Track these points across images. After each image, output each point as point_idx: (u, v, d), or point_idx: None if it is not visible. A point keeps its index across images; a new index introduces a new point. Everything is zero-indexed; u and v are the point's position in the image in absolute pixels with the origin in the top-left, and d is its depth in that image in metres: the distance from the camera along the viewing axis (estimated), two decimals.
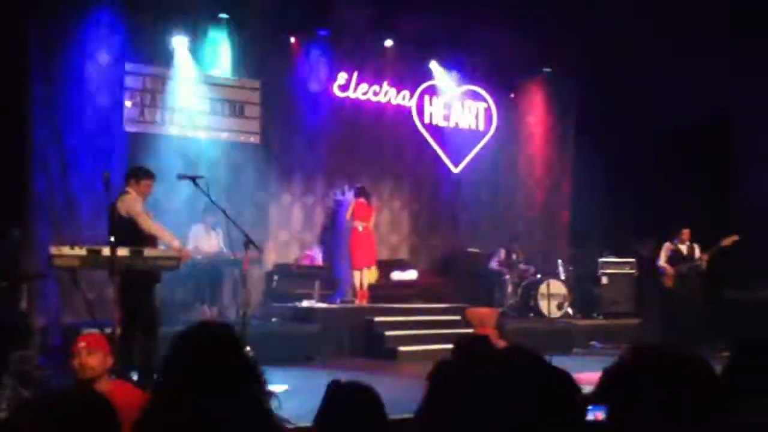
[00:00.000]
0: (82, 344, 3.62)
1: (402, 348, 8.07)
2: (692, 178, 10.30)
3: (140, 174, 6.06)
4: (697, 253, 9.34)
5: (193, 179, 7.11)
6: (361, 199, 9.46)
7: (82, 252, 5.14)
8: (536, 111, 12.05)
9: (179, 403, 2.02)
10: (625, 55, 10.26)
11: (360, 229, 9.32)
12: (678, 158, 10.45)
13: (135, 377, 5.17)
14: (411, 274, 10.39)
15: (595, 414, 2.58)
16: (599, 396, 2.57)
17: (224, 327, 2.21)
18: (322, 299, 9.11)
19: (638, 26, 9.69)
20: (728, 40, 9.24)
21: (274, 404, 2.14)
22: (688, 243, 9.41)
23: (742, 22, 9.01)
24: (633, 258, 10.56)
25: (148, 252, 5.56)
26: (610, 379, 2.61)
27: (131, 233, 5.66)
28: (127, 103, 8.89)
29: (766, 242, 9.55)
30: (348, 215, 9.41)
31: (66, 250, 5.09)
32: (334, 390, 2.30)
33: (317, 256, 9.75)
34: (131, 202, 5.77)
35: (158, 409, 2.07)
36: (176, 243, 5.84)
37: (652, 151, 10.79)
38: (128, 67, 8.85)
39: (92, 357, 3.58)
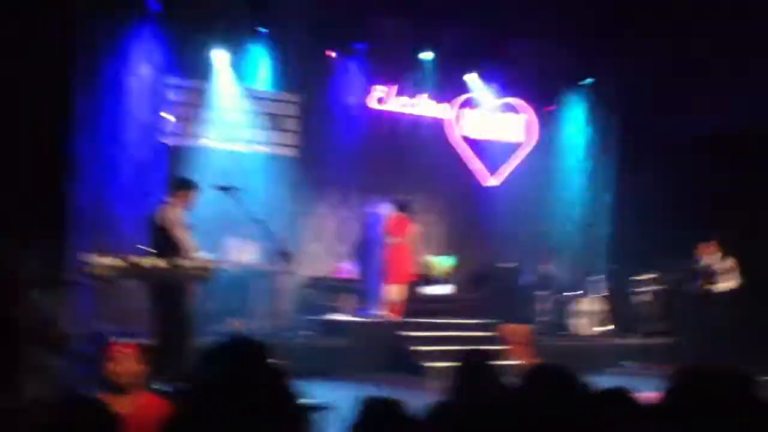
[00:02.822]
0: (119, 350, 3.68)
1: (430, 364, 8.02)
2: (734, 195, 10.04)
3: (182, 185, 6.17)
4: (728, 266, 9.10)
5: (229, 190, 7.24)
6: (402, 213, 9.43)
7: (119, 262, 5.26)
8: (576, 123, 11.90)
9: (204, 416, 2.03)
10: (667, 65, 10.10)
11: (396, 242, 9.26)
12: (718, 173, 10.21)
13: (168, 390, 5.22)
14: (445, 289, 10.33)
15: None
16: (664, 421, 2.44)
17: (254, 341, 2.21)
18: (353, 312, 9.12)
19: (679, 35, 9.54)
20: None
21: (318, 418, 2.13)
22: (716, 257, 9.18)
23: None
24: (673, 275, 10.32)
25: (182, 263, 5.65)
26: (657, 411, 2.49)
27: (165, 243, 5.76)
28: (168, 116, 9.07)
29: None
30: (391, 230, 9.30)
31: (103, 259, 5.21)
32: (367, 404, 2.30)
33: (350, 269, 9.77)
34: (168, 212, 5.87)
35: (182, 422, 2.08)
36: (203, 257, 5.90)
37: (692, 164, 10.54)
38: (169, 80, 9.04)
39: (128, 364, 3.62)
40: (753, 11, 8.80)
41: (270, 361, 2.20)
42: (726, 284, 9.13)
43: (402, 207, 9.42)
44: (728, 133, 10.17)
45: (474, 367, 3.02)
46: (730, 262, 9.19)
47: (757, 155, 10.07)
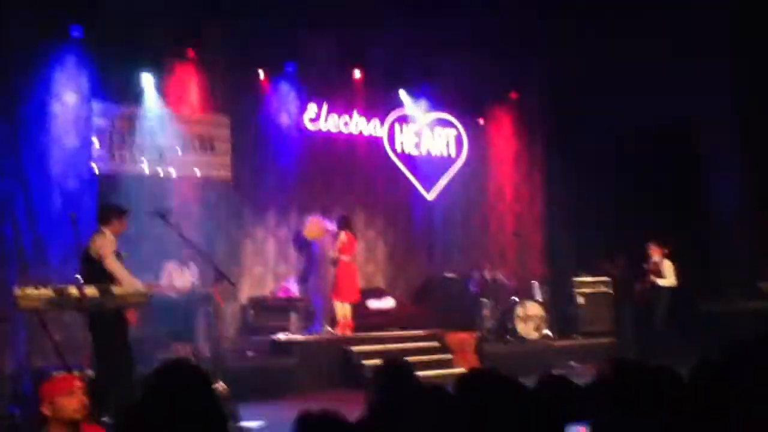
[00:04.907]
0: (59, 385, 3.55)
1: None
2: (661, 192, 10.47)
3: (112, 213, 6.02)
4: (665, 266, 9.50)
5: (163, 215, 7.08)
6: (347, 231, 9.42)
7: (48, 292, 5.07)
8: (505, 135, 12.21)
9: None
10: (589, 74, 10.49)
11: (346, 260, 9.23)
12: (645, 174, 10.64)
13: (108, 421, 5.05)
14: (388, 302, 10.37)
15: (577, 430, 2.58)
16: (579, 414, 2.58)
17: (191, 367, 2.19)
18: (298, 331, 9.05)
19: (599, 44, 9.94)
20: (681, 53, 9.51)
21: None
22: (657, 257, 9.58)
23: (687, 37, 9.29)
24: (607, 276, 10.67)
25: (116, 290, 5.50)
26: (589, 397, 2.64)
27: (101, 273, 5.61)
28: (96, 144, 8.84)
29: (729, 252, 9.73)
30: (340, 247, 9.28)
31: (31, 291, 5.01)
32: (303, 420, 2.30)
33: (293, 288, 9.70)
34: (101, 243, 5.72)
35: None
36: (138, 285, 5.77)
37: (618, 168, 10.96)
38: (96, 106, 8.81)
39: (70, 398, 3.50)
40: (669, 16, 9.23)
41: (211, 387, 2.19)
42: (668, 282, 9.51)
43: (346, 224, 9.41)
44: (651, 137, 10.61)
45: (391, 376, 3.04)
46: (668, 262, 9.58)
47: (677, 154, 10.54)
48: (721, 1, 9.16)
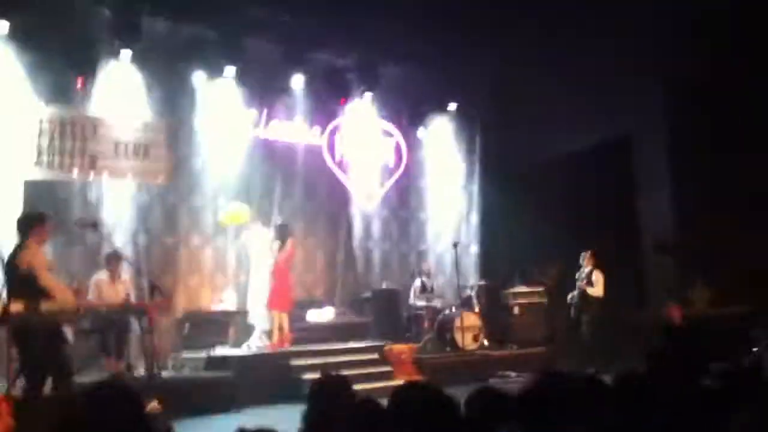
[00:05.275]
0: None
1: None
2: (598, 207, 10.77)
3: (35, 221, 5.74)
4: (595, 277, 9.76)
5: (93, 225, 6.81)
6: (292, 239, 9.30)
7: None
8: (443, 146, 12.34)
9: None
10: (527, 87, 10.72)
11: (281, 269, 9.10)
12: (583, 189, 10.93)
13: None
14: (328, 313, 10.28)
15: None
16: (509, 423, 2.67)
17: (119, 388, 2.15)
18: (236, 345, 8.86)
19: (539, 58, 10.17)
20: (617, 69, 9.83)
21: None
22: (590, 268, 9.84)
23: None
24: (541, 287, 10.90)
25: (44, 306, 5.25)
26: (518, 407, 2.74)
27: (29, 287, 5.35)
28: (24, 147, 8.43)
29: (659, 267, 10.10)
30: (286, 256, 9.12)
31: None
32: None
33: (230, 301, 9.49)
34: (31, 256, 5.45)
35: None
36: (70, 301, 5.53)
37: (559, 181, 11.21)
38: (25, 107, 8.40)
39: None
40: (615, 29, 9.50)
41: (140, 409, 2.18)
42: (597, 292, 9.76)
43: (287, 233, 9.28)
44: (588, 151, 10.91)
45: (327, 391, 3.05)
46: (598, 273, 9.84)
47: (611, 170, 10.88)
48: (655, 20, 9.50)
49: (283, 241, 9.14)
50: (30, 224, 5.69)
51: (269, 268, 9.04)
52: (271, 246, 9.14)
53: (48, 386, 5.43)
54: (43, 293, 5.39)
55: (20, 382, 5.45)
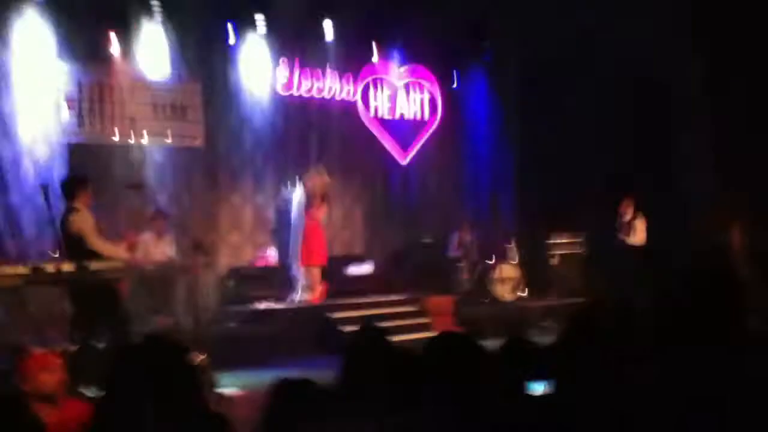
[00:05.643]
0: (38, 360, 3.56)
1: None
2: (633, 151, 10.53)
3: (80, 185, 5.93)
4: (637, 225, 9.60)
5: (137, 187, 7.01)
6: (316, 194, 9.39)
7: (24, 270, 5.02)
8: (479, 96, 12.18)
9: (120, 418, 2.06)
10: (561, 29, 10.43)
11: (313, 224, 9.25)
12: (618, 132, 10.69)
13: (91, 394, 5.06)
14: (367, 268, 10.42)
15: (536, 389, 2.70)
16: (539, 372, 2.70)
17: (166, 340, 2.24)
18: (278, 299, 9.08)
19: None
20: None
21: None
22: (629, 215, 9.68)
23: None
24: (581, 237, 10.80)
25: (93, 265, 5.46)
26: (551, 354, 2.75)
27: (80, 249, 5.57)
28: (65, 113, 8.65)
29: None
30: (312, 212, 9.22)
31: (7, 269, 4.96)
32: (277, 387, 2.38)
33: (271, 257, 9.69)
34: (81, 221, 5.65)
35: (102, 426, 2.11)
36: (119, 259, 5.74)
37: (599, 128, 10.97)
38: (64, 71, 8.58)
39: (49, 372, 3.52)
40: None
41: (187, 359, 2.26)
42: (638, 239, 9.63)
43: (314, 189, 9.37)
44: (626, 96, 10.61)
45: (364, 342, 3.12)
46: (641, 221, 9.70)
47: (649, 112, 10.59)
48: None
49: (310, 197, 9.24)
50: (76, 188, 5.89)
51: (302, 226, 9.19)
52: (301, 202, 9.26)
53: (103, 343, 5.69)
54: (93, 254, 5.61)
55: (75, 339, 5.71)
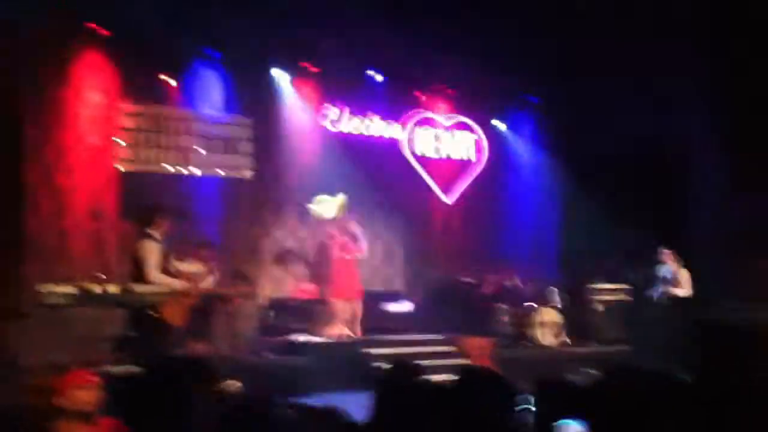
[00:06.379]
0: (78, 379, 3.64)
1: None
2: (672, 202, 10.36)
3: (157, 214, 6.14)
4: (681, 276, 9.37)
5: (184, 215, 7.19)
6: (354, 230, 9.48)
7: (72, 289, 5.19)
8: (525, 140, 12.19)
9: None
10: (608, 82, 10.41)
11: (350, 259, 9.32)
12: (662, 187, 10.55)
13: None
14: (406, 306, 10.39)
15: (570, 429, 2.64)
16: (576, 412, 2.65)
17: (193, 361, 2.27)
18: (316, 332, 9.11)
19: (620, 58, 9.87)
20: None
21: None
22: (673, 267, 9.45)
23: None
24: (625, 284, 10.60)
25: (138, 288, 5.61)
26: (588, 396, 2.70)
27: (140, 275, 5.77)
28: (120, 142, 9.00)
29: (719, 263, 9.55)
30: (341, 246, 9.32)
31: (53, 287, 5.13)
32: (301, 414, 2.39)
33: (311, 290, 9.76)
34: (147, 250, 5.85)
35: None
36: (165, 288, 5.88)
37: (634, 180, 10.87)
38: (121, 106, 8.98)
39: (83, 392, 3.59)
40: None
41: (209, 380, 2.28)
42: (683, 291, 9.41)
43: (351, 224, 9.47)
44: (670, 151, 10.50)
45: (397, 376, 3.11)
46: (684, 272, 9.48)
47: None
48: None
49: (341, 233, 9.30)
50: (154, 215, 6.11)
51: (337, 260, 9.27)
52: (335, 238, 9.34)
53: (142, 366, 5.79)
54: (146, 279, 5.78)
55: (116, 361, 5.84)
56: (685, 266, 9.49)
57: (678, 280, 9.49)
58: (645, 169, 10.74)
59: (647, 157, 10.71)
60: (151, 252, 5.84)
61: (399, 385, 3.19)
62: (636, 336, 10.14)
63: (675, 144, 10.42)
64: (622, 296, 10.63)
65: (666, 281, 9.55)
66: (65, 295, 5.21)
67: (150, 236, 5.91)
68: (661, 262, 9.65)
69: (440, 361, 8.47)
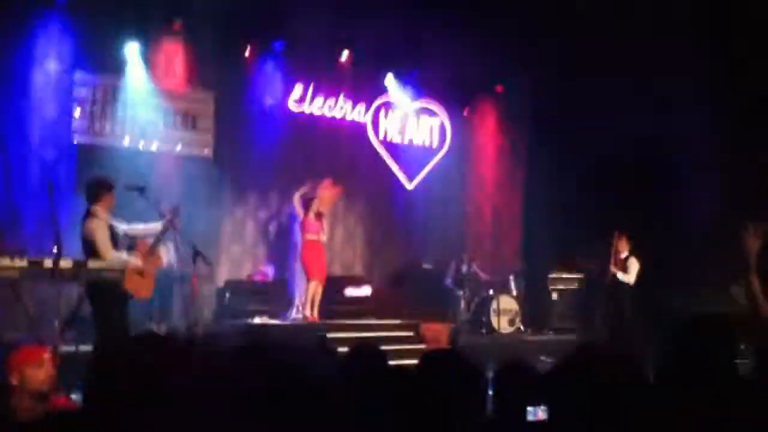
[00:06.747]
0: (23, 357, 3.51)
1: None
2: (635, 194, 10.50)
3: (103, 189, 5.95)
4: (630, 262, 9.47)
5: (140, 189, 7.00)
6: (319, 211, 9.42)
7: (23, 263, 5.00)
8: (489, 129, 12.23)
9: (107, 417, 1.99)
10: (578, 74, 10.51)
11: (313, 240, 9.26)
12: (622, 176, 10.68)
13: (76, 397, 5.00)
14: (365, 290, 10.37)
15: (536, 414, 2.66)
16: (539, 396, 2.67)
17: (151, 338, 2.18)
18: (275, 315, 9.02)
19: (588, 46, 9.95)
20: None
21: None
22: (626, 253, 9.57)
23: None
24: (581, 273, 10.76)
25: (91, 264, 5.44)
26: (549, 380, 2.71)
27: (93, 254, 5.59)
28: (76, 114, 8.68)
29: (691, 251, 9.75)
30: (305, 226, 9.25)
31: (5, 261, 4.94)
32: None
33: (270, 272, 9.65)
34: (97, 229, 5.67)
35: (85, 424, 2.04)
36: (117, 264, 5.72)
37: (598, 168, 10.97)
38: (78, 75, 8.65)
39: (34, 369, 3.47)
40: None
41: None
42: (630, 277, 9.50)
43: (308, 204, 9.40)
44: (630, 145, 10.61)
45: (359, 361, 3.09)
46: (634, 259, 9.60)
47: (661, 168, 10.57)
48: None
49: (305, 212, 9.24)
50: (98, 191, 5.90)
51: (302, 242, 9.19)
52: (298, 217, 9.27)
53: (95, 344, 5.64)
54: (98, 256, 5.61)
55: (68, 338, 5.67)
56: (639, 253, 9.60)
57: (627, 266, 9.58)
58: (612, 166, 10.84)
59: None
60: (98, 229, 5.66)
61: (360, 369, 3.15)
62: (586, 323, 10.34)
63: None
64: (577, 285, 10.79)
65: (617, 265, 9.62)
66: (15, 268, 5.01)
67: (95, 213, 5.72)
68: (617, 248, 9.73)
69: (398, 346, 8.49)
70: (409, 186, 11.52)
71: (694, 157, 10.22)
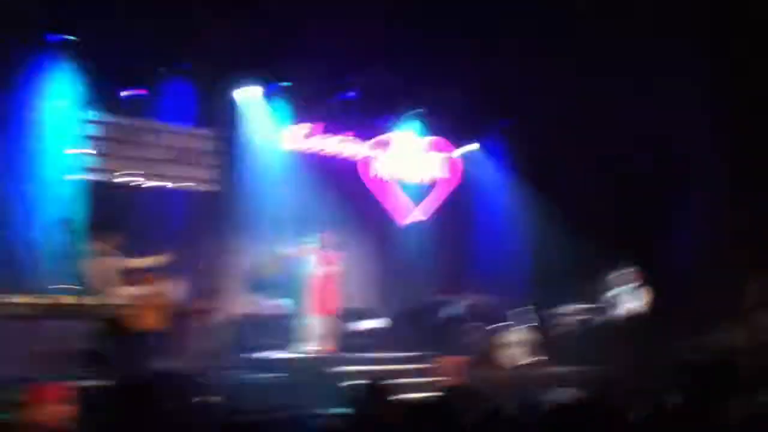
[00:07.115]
0: (41, 394, 3.52)
1: None
2: (643, 223, 10.48)
3: (111, 226, 6.01)
4: (638, 294, 9.41)
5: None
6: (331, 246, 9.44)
7: (41, 300, 5.01)
8: (493, 162, 12.30)
9: None
10: (580, 108, 10.55)
11: (325, 275, 9.27)
12: (634, 209, 10.69)
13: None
14: (379, 323, 10.33)
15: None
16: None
17: (166, 376, 2.20)
18: (284, 349, 8.99)
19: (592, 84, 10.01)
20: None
21: None
22: (633, 284, 9.52)
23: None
24: (593, 305, 10.70)
25: (104, 300, 5.47)
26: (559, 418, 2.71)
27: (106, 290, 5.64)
28: (88, 152, 8.84)
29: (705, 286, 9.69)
30: (323, 263, 9.27)
31: (25, 298, 4.96)
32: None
33: (277, 305, 9.64)
34: (104, 267, 5.72)
35: None
36: (143, 296, 5.75)
37: (609, 200, 10.99)
38: (86, 115, 8.81)
39: (53, 406, 3.48)
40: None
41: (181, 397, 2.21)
42: (637, 310, 9.43)
43: (328, 240, 9.44)
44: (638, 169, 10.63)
45: (370, 396, 3.09)
46: (643, 290, 9.54)
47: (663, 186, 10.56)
48: None
49: (321, 250, 9.27)
50: (106, 229, 5.96)
51: (314, 276, 9.17)
52: (313, 254, 9.27)
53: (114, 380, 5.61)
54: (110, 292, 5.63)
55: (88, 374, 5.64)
56: (650, 285, 9.54)
57: (636, 298, 9.52)
58: (615, 191, 10.85)
59: (621, 187, 10.82)
60: (107, 266, 5.71)
61: (372, 402, 3.16)
62: (597, 356, 10.21)
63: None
64: (586, 316, 10.73)
65: (625, 300, 9.58)
66: (36, 306, 5.02)
67: (103, 250, 5.77)
68: (624, 281, 9.70)
69: (413, 379, 8.42)
70: (419, 220, 11.55)
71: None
